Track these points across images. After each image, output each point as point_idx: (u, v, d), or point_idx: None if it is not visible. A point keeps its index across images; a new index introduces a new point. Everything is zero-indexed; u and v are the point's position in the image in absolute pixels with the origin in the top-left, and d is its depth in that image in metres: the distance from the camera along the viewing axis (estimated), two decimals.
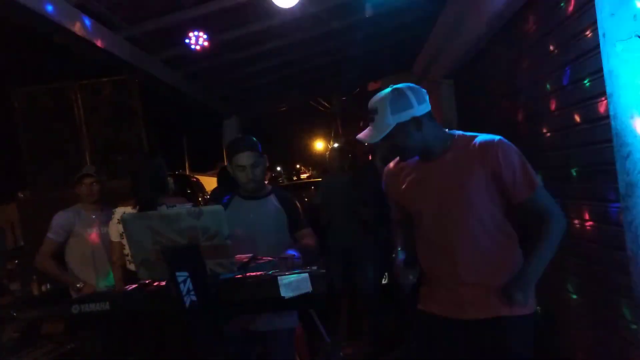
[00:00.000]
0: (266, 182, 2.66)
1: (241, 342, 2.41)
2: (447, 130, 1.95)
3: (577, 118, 2.56)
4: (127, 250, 3.02)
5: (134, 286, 1.97)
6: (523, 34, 3.32)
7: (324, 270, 1.84)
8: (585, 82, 2.42)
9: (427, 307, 2.00)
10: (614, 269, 2.28)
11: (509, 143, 1.83)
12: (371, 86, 8.84)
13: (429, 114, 1.86)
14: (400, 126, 1.81)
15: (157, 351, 2.85)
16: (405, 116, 1.81)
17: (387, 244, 3.90)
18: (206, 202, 8.80)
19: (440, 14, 5.08)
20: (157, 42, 4.62)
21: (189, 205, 2.92)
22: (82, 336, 3.35)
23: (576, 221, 2.67)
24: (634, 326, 2.12)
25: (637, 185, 1.88)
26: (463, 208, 1.83)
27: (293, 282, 1.73)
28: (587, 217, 2.56)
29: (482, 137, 1.85)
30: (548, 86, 2.94)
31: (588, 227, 2.55)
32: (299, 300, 1.73)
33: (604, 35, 1.98)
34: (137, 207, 2.95)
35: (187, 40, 4.32)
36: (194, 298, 1.74)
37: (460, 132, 1.93)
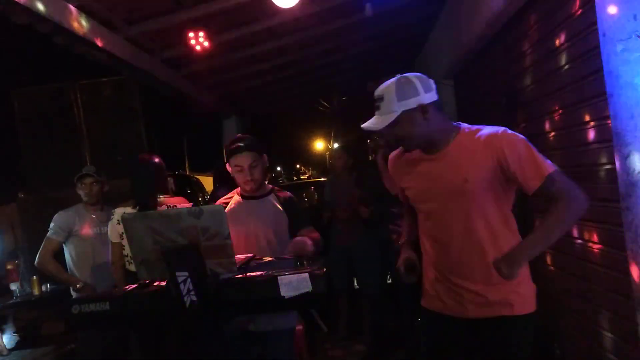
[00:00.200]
0: (266, 182, 2.66)
1: (241, 342, 2.41)
2: (452, 122, 1.91)
3: (577, 118, 2.56)
4: (127, 251, 3.02)
5: (134, 286, 1.97)
6: (523, 34, 3.32)
7: (324, 270, 1.84)
8: (586, 82, 2.42)
9: (430, 305, 2.00)
10: (614, 269, 2.28)
11: (514, 133, 1.79)
12: (372, 86, 8.82)
13: (436, 103, 1.83)
14: (406, 114, 1.79)
15: (157, 351, 2.84)
16: (411, 103, 1.78)
17: (388, 243, 3.93)
18: (206, 202, 8.80)
19: (440, 14, 5.09)
20: (157, 42, 4.62)
21: (189, 205, 2.93)
22: (82, 336, 3.36)
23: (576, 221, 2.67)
24: (634, 326, 2.12)
25: (637, 185, 1.88)
26: (466, 204, 1.82)
27: (293, 282, 1.73)
28: (587, 217, 2.56)
29: (486, 130, 1.82)
30: (548, 86, 2.94)
31: (588, 227, 2.55)
32: (299, 300, 1.73)
33: (604, 35, 1.98)
34: (137, 207, 2.95)
35: (187, 41, 4.32)
36: (194, 298, 1.74)
37: (466, 125, 1.90)
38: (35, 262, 3.47)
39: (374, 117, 1.85)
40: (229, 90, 6.79)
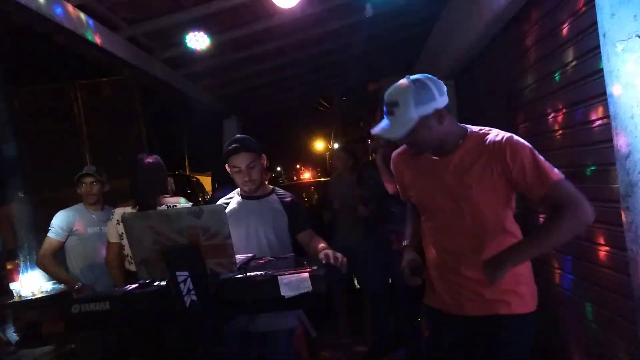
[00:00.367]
0: (266, 182, 2.66)
1: (241, 342, 2.41)
2: (460, 125, 1.89)
3: (578, 118, 2.56)
4: (127, 251, 3.02)
5: (134, 286, 1.97)
6: (524, 35, 3.33)
7: (325, 270, 1.84)
8: (586, 82, 2.42)
9: (431, 303, 2.01)
10: (614, 269, 2.28)
11: (519, 141, 1.77)
12: (371, 86, 8.84)
13: (447, 106, 1.80)
14: (423, 120, 1.74)
15: (157, 351, 2.84)
16: (428, 109, 1.74)
17: (389, 243, 3.92)
18: (206, 202, 8.80)
19: (441, 14, 5.09)
20: (158, 42, 4.63)
21: (189, 205, 2.93)
22: (82, 336, 3.35)
23: None
24: (634, 326, 2.12)
25: (637, 186, 1.88)
26: (470, 208, 1.81)
27: (293, 282, 1.73)
28: None
29: (492, 136, 1.80)
30: (548, 86, 2.94)
31: (589, 228, 2.55)
32: (299, 300, 1.73)
33: (604, 35, 1.98)
34: (137, 207, 2.95)
35: (187, 41, 4.32)
36: (194, 298, 1.74)
37: (473, 129, 1.88)
38: (36, 262, 3.48)
39: (387, 122, 1.78)
40: (229, 90, 6.79)
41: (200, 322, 1.79)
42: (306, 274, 1.74)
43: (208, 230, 1.71)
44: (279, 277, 1.75)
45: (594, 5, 2.07)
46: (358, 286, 4.63)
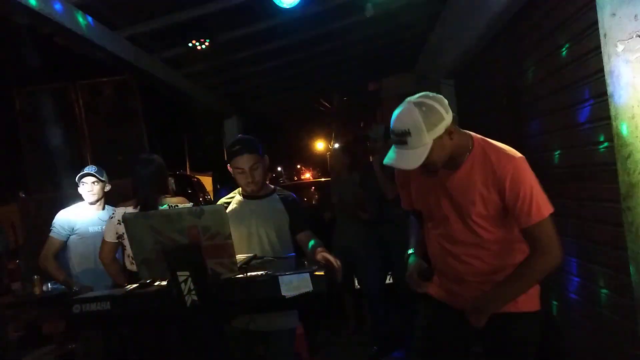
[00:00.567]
0: (267, 182, 2.66)
1: (241, 342, 2.41)
2: (465, 133, 1.87)
3: (578, 118, 2.56)
4: (128, 251, 3.01)
5: (134, 286, 1.97)
6: (524, 34, 3.33)
7: (325, 270, 1.84)
8: (586, 82, 2.42)
9: (435, 294, 2.02)
10: (614, 269, 2.28)
11: (525, 170, 1.76)
12: (372, 86, 8.83)
13: (454, 119, 1.76)
14: (436, 141, 1.70)
15: (158, 351, 2.85)
16: (440, 130, 1.70)
17: (389, 243, 3.93)
18: (207, 202, 8.80)
19: (440, 14, 5.09)
20: (158, 42, 4.62)
21: (189, 205, 2.93)
22: (83, 336, 3.36)
23: (576, 221, 2.68)
24: (634, 326, 2.12)
25: (637, 186, 1.88)
26: (474, 222, 1.83)
27: (294, 282, 1.73)
28: (587, 217, 2.56)
29: (499, 155, 1.79)
30: (549, 86, 2.94)
31: (588, 228, 2.55)
32: (300, 300, 1.73)
33: (604, 35, 1.98)
34: (138, 207, 2.95)
35: (187, 41, 4.32)
36: (194, 298, 1.74)
37: (479, 140, 1.85)
38: (38, 261, 3.48)
39: (398, 152, 1.73)
40: (230, 90, 6.79)
41: (200, 322, 1.80)
42: (307, 274, 1.75)
43: (209, 230, 1.71)
44: (279, 277, 1.75)
45: (594, 5, 2.07)
46: (358, 286, 4.64)
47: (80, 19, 3.53)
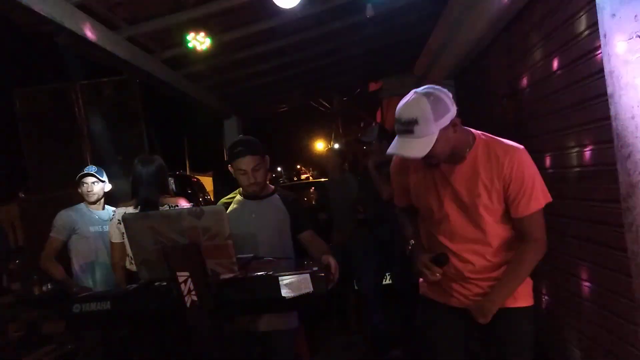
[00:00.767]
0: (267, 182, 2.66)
1: (241, 342, 2.41)
2: (466, 129, 1.89)
3: (578, 118, 2.56)
4: (128, 251, 3.01)
5: (135, 286, 1.97)
6: (524, 35, 3.32)
7: (325, 271, 1.84)
8: (586, 82, 2.42)
9: (431, 295, 2.04)
10: (614, 269, 2.28)
11: (528, 159, 1.83)
12: (372, 86, 8.83)
13: (458, 113, 1.79)
14: (441, 132, 1.72)
15: (158, 351, 2.85)
16: (446, 121, 1.72)
17: (386, 244, 3.93)
18: (207, 202, 8.80)
19: (441, 14, 5.08)
20: (158, 43, 4.62)
21: (189, 206, 2.93)
22: (83, 336, 3.36)
23: (577, 222, 2.68)
24: (634, 327, 2.12)
25: (637, 186, 1.88)
26: (478, 217, 1.86)
27: (294, 282, 1.73)
28: (587, 217, 2.56)
29: (503, 146, 1.84)
30: (549, 87, 2.94)
31: (589, 228, 2.55)
32: (300, 301, 1.73)
33: (605, 35, 1.98)
34: (138, 207, 2.95)
35: (187, 41, 4.32)
36: (194, 298, 1.74)
37: (480, 135, 1.89)
38: (40, 262, 3.48)
39: (407, 141, 1.73)
40: (230, 90, 6.79)
41: (200, 322, 1.80)
42: (307, 275, 1.75)
43: (209, 231, 1.71)
44: (279, 277, 1.75)
45: (594, 5, 2.07)
46: (356, 287, 4.64)
47: (80, 19, 3.53)
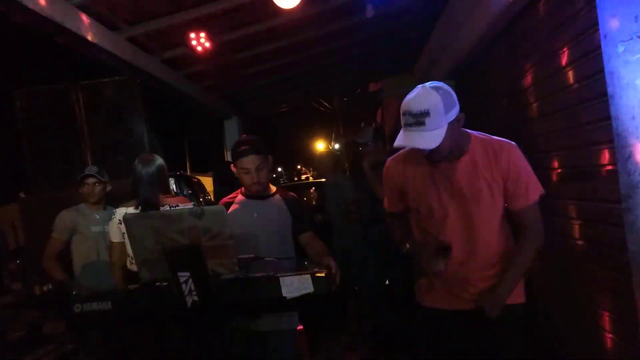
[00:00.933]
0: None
1: (242, 342, 2.41)
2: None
3: (579, 119, 2.56)
4: (129, 251, 3.01)
5: (136, 286, 1.97)
6: (524, 35, 3.33)
7: (326, 271, 1.84)
8: (587, 83, 2.42)
9: (428, 303, 2.04)
10: (614, 269, 2.28)
11: (521, 154, 1.89)
12: (372, 87, 8.83)
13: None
14: (449, 126, 1.75)
15: (159, 351, 2.85)
16: (453, 114, 1.77)
17: (385, 245, 3.92)
18: (207, 203, 8.79)
19: (441, 14, 5.09)
20: (158, 43, 4.63)
21: (190, 206, 2.93)
22: (84, 336, 3.36)
23: (577, 222, 2.68)
24: (634, 326, 2.12)
25: (638, 187, 1.88)
26: (478, 212, 1.88)
27: (295, 283, 1.73)
28: (588, 217, 2.56)
29: (497, 142, 1.89)
30: (549, 87, 2.94)
31: (589, 228, 2.55)
32: (301, 301, 1.73)
33: (605, 36, 1.98)
34: (139, 207, 2.95)
35: (188, 41, 4.32)
36: (195, 298, 1.74)
37: (475, 133, 1.93)
38: (41, 262, 3.48)
39: (416, 134, 1.72)
40: (230, 90, 6.79)
41: (201, 322, 1.80)
42: (308, 275, 1.75)
43: (210, 231, 1.71)
44: (280, 277, 1.75)
45: (595, 6, 2.07)
46: (356, 287, 4.64)
47: (81, 20, 3.53)
